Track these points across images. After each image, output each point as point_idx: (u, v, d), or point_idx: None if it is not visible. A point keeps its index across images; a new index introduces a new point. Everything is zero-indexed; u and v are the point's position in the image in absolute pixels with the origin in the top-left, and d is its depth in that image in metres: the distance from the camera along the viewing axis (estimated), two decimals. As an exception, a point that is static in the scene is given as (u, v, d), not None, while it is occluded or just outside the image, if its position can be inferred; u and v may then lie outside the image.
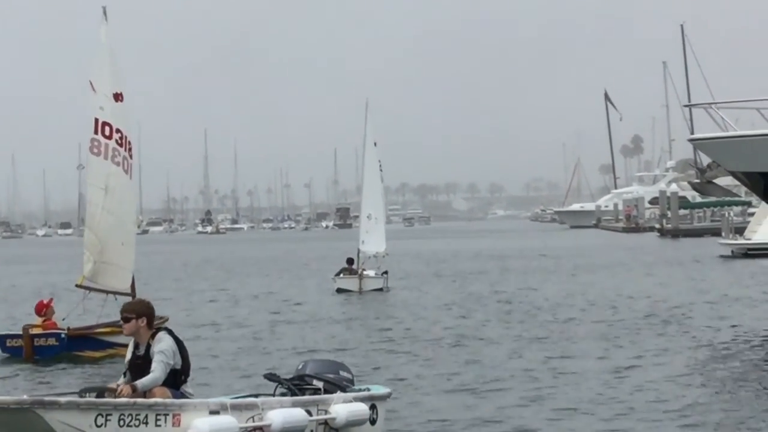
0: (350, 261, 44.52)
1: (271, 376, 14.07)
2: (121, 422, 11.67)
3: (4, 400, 11.41)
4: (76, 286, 24.74)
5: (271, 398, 13.36)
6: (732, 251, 62.19)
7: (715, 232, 79.80)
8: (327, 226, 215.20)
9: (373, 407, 13.94)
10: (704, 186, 38.47)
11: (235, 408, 12.65)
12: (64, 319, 24.75)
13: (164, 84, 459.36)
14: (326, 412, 13.44)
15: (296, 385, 13.82)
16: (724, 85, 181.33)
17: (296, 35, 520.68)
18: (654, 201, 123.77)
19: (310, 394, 13.67)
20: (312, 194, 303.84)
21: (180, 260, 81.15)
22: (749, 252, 59.83)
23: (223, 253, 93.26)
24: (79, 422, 11.43)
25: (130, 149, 24.43)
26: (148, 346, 12.68)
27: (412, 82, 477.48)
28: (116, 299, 23.76)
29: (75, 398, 11.65)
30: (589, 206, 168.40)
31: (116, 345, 23.63)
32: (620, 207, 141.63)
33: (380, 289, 42.95)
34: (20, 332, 24.68)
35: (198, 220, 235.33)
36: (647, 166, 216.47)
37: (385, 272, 44.21)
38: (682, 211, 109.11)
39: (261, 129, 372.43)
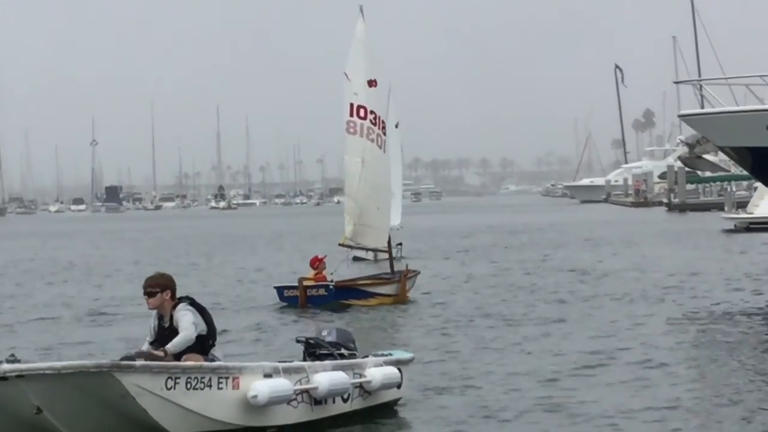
0: (370, 232, 45.94)
1: (304, 339, 14.46)
2: (188, 385, 12.24)
3: (86, 364, 11.88)
4: (339, 245, 28.28)
5: (316, 363, 13.77)
6: (735, 225, 63.16)
7: (722, 207, 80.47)
8: (339, 201, 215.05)
9: (399, 371, 14.45)
10: (693, 161, 39.39)
11: (287, 371, 13.17)
12: (332, 273, 27.48)
13: (176, 60, 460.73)
14: (362, 375, 13.95)
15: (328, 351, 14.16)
16: (737, 56, 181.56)
17: (310, 13, 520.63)
18: (663, 176, 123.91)
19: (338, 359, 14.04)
20: (324, 170, 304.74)
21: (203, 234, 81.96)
22: (751, 226, 60.73)
23: (257, 228, 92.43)
24: (152, 385, 11.98)
25: (383, 127, 28.56)
26: (172, 318, 13.10)
27: (425, 59, 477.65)
28: (376, 257, 27.48)
29: (148, 362, 12.21)
30: (599, 181, 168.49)
31: (377, 294, 27.28)
32: (630, 182, 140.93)
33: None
34: (296, 284, 27.60)
35: (210, 195, 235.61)
36: (659, 140, 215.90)
37: (399, 243, 45.52)
38: (689, 186, 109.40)
39: (273, 105, 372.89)
